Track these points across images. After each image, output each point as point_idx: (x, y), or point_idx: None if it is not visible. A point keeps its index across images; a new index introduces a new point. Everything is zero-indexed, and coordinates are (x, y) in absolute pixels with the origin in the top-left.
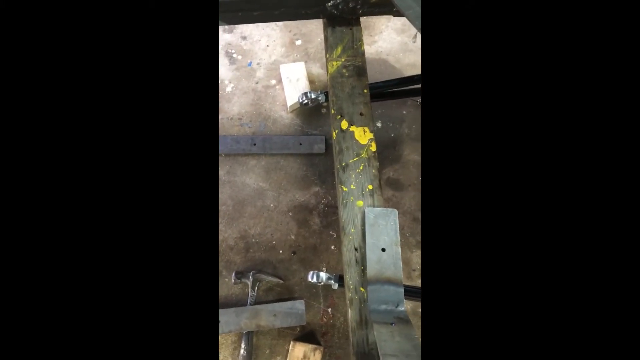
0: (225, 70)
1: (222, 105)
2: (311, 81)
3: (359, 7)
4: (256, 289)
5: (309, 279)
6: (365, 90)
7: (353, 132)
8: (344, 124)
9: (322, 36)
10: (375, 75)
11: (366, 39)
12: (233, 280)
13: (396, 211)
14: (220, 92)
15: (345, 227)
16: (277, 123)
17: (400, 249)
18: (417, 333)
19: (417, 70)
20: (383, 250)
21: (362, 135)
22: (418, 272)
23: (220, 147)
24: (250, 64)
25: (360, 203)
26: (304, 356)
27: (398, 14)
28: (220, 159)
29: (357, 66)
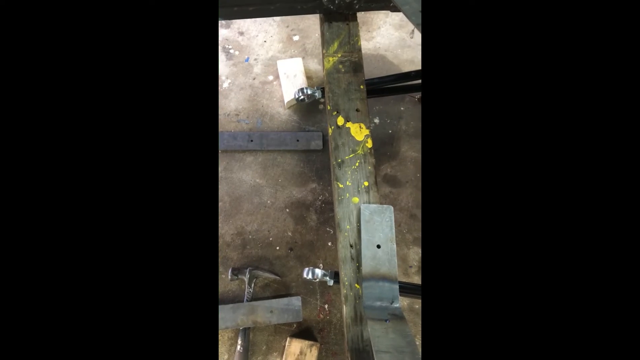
0: (222, 66)
1: (219, 101)
2: (309, 77)
3: (355, 2)
4: (253, 285)
5: (305, 275)
6: (361, 86)
7: (349, 128)
8: (340, 120)
9: (320, 32)
10: (373, 71)
11: (364, 35)
12: (230, 277)
13: (392, 208)
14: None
15: (341, 224)
16: (274, 119)
17: (395, 245)
18: (413, 330)
19: (416, 66)
20: (378, 246)
21: (358, 132)
22: (415, 269)
23: None
24: (247, 60)
25: (355, 200)
26: (301, 352)
27: (395, 9)
28: None
29: (354, 62)
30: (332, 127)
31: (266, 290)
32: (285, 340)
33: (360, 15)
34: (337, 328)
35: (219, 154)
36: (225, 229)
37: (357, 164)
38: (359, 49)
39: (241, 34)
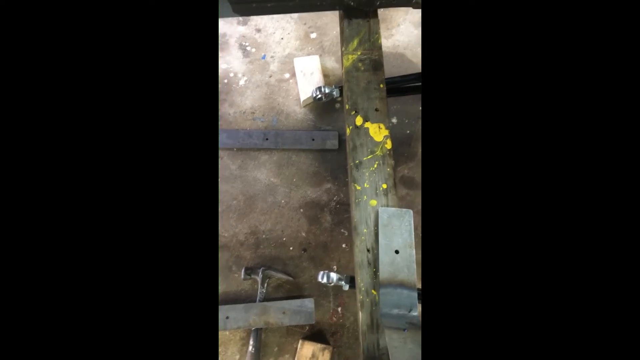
0: (238, 63)
1: (235, 98)
2: (325, 75)
3: None
4: (266, 285)
5: (319, 279)
6: (381, 85)
7: (368, 128)
8: (359, 120)
9: (338, 29)
10: (392, 70)
11: (383, 33)
12: (243, 276)
13: (411, 212)
14: (233, 86)
15: (358, 227)
16: (289, 118)
17: (414, 251)
18: None
19: None
20: (396, 252)
21: (377, 132)
22: None
23: (232, 141)
24: (264, 57)
25: (373, 202)
26: (313, 355)
27: (417, 5)
28: (232, 153)
29: (374, 60)
30: (350, 127)
31: (279, 291)
32: (297, 343)
33: (379, 12)
34: (350, 332)
35: (234, 152)
36: (239, 228)
37: (375, 166)
38: (380, 47)
39: (258, 31)
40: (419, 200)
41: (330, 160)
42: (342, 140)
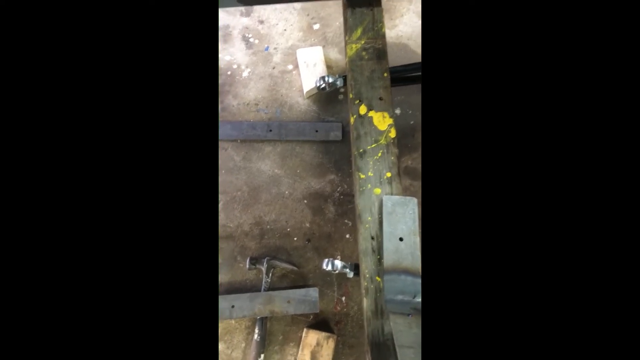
0: (241, 55)
1: (238, 90)
2: (329, 66)
3: None
4: (270, 275)
5: (324, 266)
6: (385, 74)
7: (372, 117)
8: (363, 109)
9: (341, 20)
10: (395, 60)
11: (387, 23)
12: (247, 266)
13: (415, 200)
14: (236, 77)
15: (362, 215)
16: (293, 109)
17: (419, 238)
18: None
19: None
20: (401, 239)
21: (381, 121)
22: None
23: (236, 133)
24: (267, 49)
25: (377, 191)
26: (317, 344)
27: None
28: (235, 144)
29: (377, 49)
30: (354, 116)
31: (283, 281)
32: (302, 331)
33: (383, 1)
34: (355, 321)
35: (238, 144)
36: (244, 219)
37: (379, 154)
38: (383, 36)
39: (261, 22)
40: None
41: (333, 152)
42: (345, 132)
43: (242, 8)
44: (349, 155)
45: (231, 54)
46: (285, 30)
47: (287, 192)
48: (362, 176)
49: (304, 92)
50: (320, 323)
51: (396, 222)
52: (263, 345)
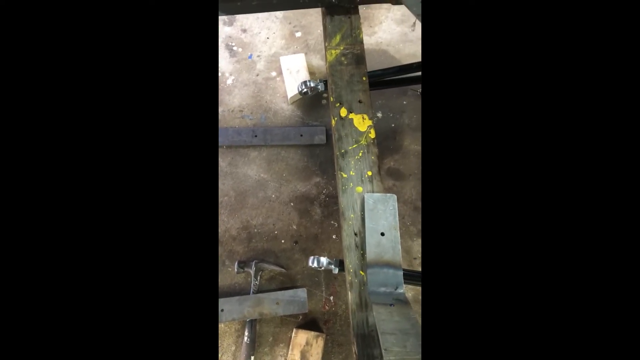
0: (225, 63)
1: (223, 97)
2: (311, 73)
3: None
4: (259, 277)
5: (310, 264)
6: (364, 78)
7: (352, 119)
8: (343, 112)
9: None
10: (375, 66)
11: (366, 30)
12: (236, 270)
13: (395, 196)
14: (221, 85)
15: (345, 213)
16: (277, 115)
17: (399, 233)
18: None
19: (417, 59)
20: (382, 234)
21: (361, 123)
22: (419, 261)
23: (221, 139)
24: (250, 57)
25: (359, 189)
26: (307, 343)
27: (397, 2)
28: (221, 150)
29: (356, 54)
30: (336, 119)
31: (272, 283)
32: (292, 332)
33: (362, 10)
34: (343, 319)
35: (224, 150)
36: (231, 223)
37: (360, 154)
38: (361, 42)
39: (244, 31)
40: (405, 190)
41: (318, 155)
42: (329, 135)
43: (225, 17)
44: (333, 157)
45: None
46: (268, 38)
47: (273, 196)
48: (345, 175)
49: (288, 98)
50: (309, 323)
51: (377, 218)
52: (253, 347)
